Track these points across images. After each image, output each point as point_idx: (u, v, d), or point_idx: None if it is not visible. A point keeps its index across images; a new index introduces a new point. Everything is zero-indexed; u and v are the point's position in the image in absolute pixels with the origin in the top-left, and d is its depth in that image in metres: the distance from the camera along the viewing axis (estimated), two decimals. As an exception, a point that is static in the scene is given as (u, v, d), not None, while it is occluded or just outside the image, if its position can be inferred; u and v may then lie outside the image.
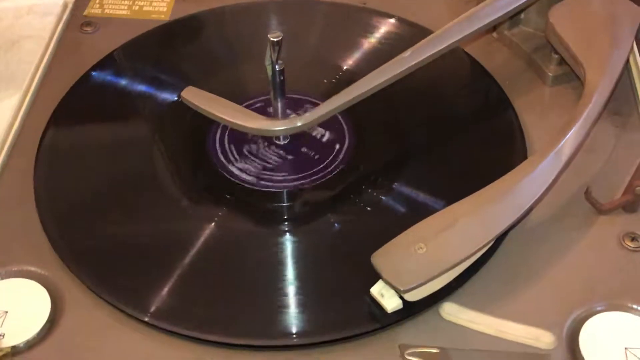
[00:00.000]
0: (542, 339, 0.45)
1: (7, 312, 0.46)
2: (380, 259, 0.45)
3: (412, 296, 0.45)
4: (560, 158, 0.48)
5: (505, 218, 0.46)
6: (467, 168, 0.54)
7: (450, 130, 0.57)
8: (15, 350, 0.45)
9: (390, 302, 0.45)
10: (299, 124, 0.50)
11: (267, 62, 0.52)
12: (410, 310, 0.46)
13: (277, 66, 0.52)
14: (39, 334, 0.46)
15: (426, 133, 0.57)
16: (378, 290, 0.45)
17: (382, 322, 0.45)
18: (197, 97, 0.52)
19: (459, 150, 0.56)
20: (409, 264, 0.44)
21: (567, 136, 0.49)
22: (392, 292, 0.45)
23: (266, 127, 0.51)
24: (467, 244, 0.45)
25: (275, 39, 0.50)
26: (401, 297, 0.45)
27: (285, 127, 0.51)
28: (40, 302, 0.47)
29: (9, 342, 0.45)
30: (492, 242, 0.47)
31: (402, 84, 0.54)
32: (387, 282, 0.45)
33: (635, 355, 0.44)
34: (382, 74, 0.52)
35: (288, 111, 0.56)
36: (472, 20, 0.54)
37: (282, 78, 0.53)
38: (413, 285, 0.44)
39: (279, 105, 0.54)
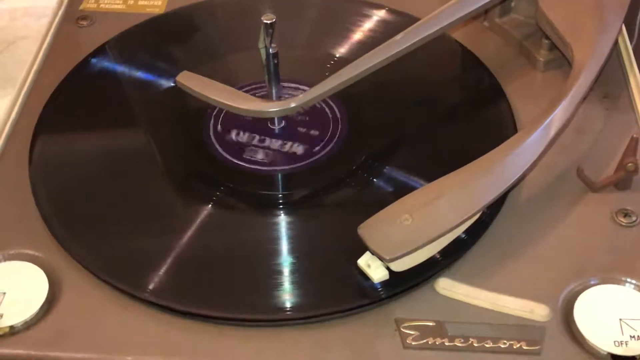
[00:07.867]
0: (537, 311, 0.46)
1: (4, 293, 0.47)
2: (366, 229, 0.45)
3: (398, 266, 0.45)
4: (547, 133, 0.49)
5: (491, 191, 0.47)
6: (459, 153, 0.54)
7: (442, 116, 0.58)
8: (13, 330, 0.45)
9: (377, 272, 0.45)
10: (292, 105, 0.51)
11: (261, 46, 0.52)
12: (405, 285, 0.46)
13: (270, 49, 0.52)
14: (36, 314, 0.46)
15: (419, 119, 0.57)
16: (365, 261, 0.46)
17: (375, 296, 0.45)
18: (191, 81, 0.53)
19: (451, 135, 0.56)
20: (395, 235, 0.45)
21: (555, 112, 0.49)
22: (379, 262, 0.45)
23: (260, 108, 0.51)
24: (453, 215, 0.45)
25: (268, 22, 0.51)
26: (388, 268, 0.45)
27: (278, 109, 0.51)
28: (38, 284, 0.47)
29: (6, 322, 0.45)
30: (477, 215, 0.47)
31: (396, 71, 0.55)
32: (373, 253, 0.45)
33: (630, 326, 0.45)
34: (374, 57, 0.52)
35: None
36: (463, 4, 0.55)
37: (276, 61, 0.53)
38: (397, 255, 0.44)
39: (274, 88, 0.54)
